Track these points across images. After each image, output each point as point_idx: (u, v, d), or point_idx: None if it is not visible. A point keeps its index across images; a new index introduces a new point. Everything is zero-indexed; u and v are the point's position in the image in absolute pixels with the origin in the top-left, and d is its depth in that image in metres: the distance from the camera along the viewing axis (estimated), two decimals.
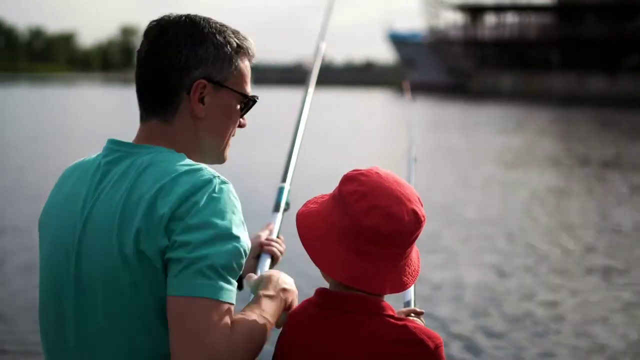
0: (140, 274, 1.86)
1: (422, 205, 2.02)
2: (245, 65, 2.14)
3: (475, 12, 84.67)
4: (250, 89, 2.17)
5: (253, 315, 1.93)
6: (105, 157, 2.03)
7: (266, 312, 1.97)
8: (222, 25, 2.11)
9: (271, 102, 49.81)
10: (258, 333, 1.89)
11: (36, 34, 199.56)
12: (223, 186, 1.91)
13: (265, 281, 2.08)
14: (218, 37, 2.07)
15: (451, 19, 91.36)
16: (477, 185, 16.36)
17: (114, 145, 2.05)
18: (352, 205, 1.96)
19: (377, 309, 1.95)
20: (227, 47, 2.08)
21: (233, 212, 1.90)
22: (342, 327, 1.94)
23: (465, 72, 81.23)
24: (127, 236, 1.87)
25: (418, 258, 2.07)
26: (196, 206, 1.85)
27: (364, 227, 1.94)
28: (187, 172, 1.90)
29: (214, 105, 2.09)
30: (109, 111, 39.63)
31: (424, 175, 16.20)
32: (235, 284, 1.87)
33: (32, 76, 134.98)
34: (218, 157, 2.18)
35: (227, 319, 1.81)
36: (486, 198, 14.80)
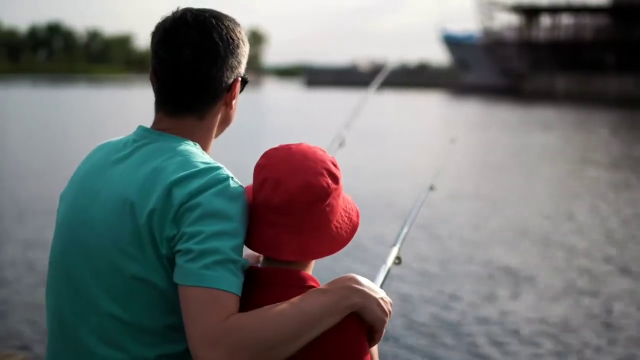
0: (146, 246, 1.94)
1: (330, 177, 2.03)
2: None
3: (529, 14, 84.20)
4: None
5: (282, 305, 1.89)
6: (135, 141, 2.12)
7: (307, 304, 1.90)
8: (234, 19, 2.20)
9: (324, 103, 50.09)
10: (273, 322, 1.85)
11: (94, 35, 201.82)
12: (235, 187, 1.98)
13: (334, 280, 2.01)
14: (242, 34, 2.18)
15: (506, 20, 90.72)
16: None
17: (145, 132, 2.13)
18: (254, 179, 2.08)
19: (293, 280, 2.01)
20: (247, 44, 2.20)
21: (240, 213, 1.97)
22: (259, 300, 1.96)
23: (519, 73, 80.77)
24: (141, 210, 1.95)
25: (341, 228, 2.07)
26: (206, 201, 1.91)
27: (259, 199, 2.03)
28: (205, 169, 1.97)
29: (236, 96, 2.21)
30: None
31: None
32: (241, 275, 1.91)
33: (89, 77, 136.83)
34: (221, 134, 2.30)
35: (227, 307, 1.84)
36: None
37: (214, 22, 2.11)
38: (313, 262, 2.12)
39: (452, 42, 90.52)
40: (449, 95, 71.32)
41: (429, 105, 54.16)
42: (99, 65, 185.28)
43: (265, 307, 1.87)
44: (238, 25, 2.18)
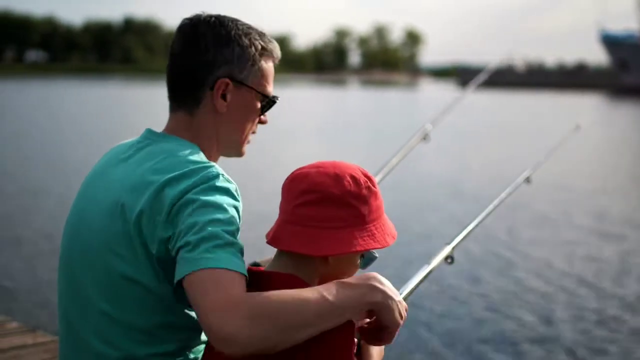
0: (137, 247, 1.95)
1: (357, 193, 1.96)
2: (269, 67, 2.20)
3: None
4: (272, 89, 2.23)
5: (303, 290, 1.82)
6: (139, 143, 2.14)
7: (330, 293, 1.82)
8: (249, 27, 2.17)
9: (477, 104, 49.66)
10: (295, 302, 1.78)
11: None
12: (226, 184, 1.97)
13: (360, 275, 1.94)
14: (244, 39, 2.14)
15: None
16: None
17: (149, 134, 2.16)
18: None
19: (287, 287, 1.88)
20: (251, 48, 2.14)
21: (232, 204, 1.95)
22: None
23: None
24: (130, 211, 1.95)
25: (355, 241, 1.95)
26: (197, 196, 1.90)
27: (283, 189, 2.03)
28: (196, 169, 1.96)
29: (235, 103, 2.16)
30: (319, 109, 40.00)
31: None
32: (241, 257, 1.87)
33: None
34: (236, 151, 2.25)
35: (238, 284, 1.79)
36: None
37: (215, 22, 2.14)
38: (318, 274, 2.01)
39: (612, 42, 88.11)
40: (606, 97, 68.99)
41: (582, 108, 52.65)
42: None
43: (282, 290, 1.81)
44: (254, 32, 2.17)
